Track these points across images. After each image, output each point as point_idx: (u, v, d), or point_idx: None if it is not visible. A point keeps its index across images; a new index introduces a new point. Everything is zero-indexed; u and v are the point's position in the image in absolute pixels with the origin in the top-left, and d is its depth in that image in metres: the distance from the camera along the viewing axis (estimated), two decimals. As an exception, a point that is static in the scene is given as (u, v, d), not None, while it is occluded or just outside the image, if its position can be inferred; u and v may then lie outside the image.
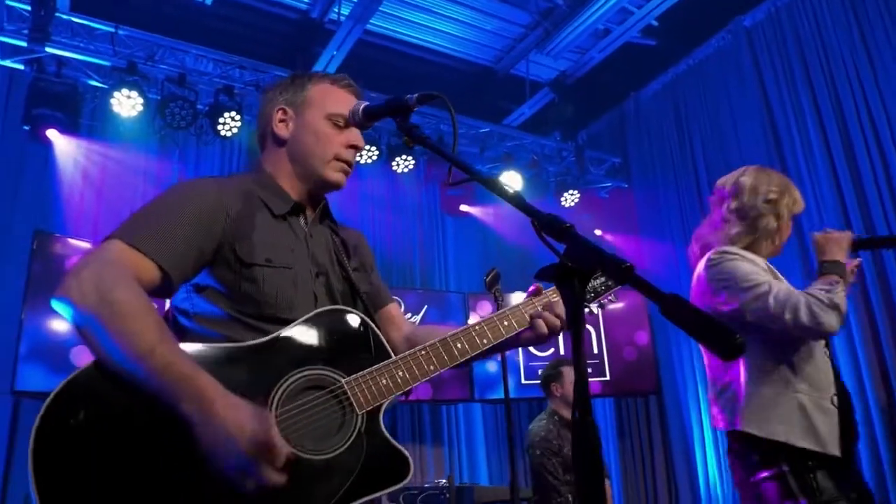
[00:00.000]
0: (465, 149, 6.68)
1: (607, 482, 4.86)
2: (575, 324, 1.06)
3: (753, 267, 2.24)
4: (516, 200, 1.25)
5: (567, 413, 4.67)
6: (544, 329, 1.58)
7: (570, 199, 6.82)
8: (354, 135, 1.64)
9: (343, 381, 1.42)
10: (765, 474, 2.13)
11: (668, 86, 6.73)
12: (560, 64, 6.98)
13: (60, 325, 4.20)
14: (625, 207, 6.99)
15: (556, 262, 1.09)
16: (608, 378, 5.91)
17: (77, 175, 5.10)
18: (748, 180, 2.41)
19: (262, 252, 1.47)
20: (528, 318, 1.61)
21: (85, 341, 1.25)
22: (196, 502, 1.23)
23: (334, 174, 1.62)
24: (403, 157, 6.01)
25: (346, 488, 1.35)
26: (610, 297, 1.78)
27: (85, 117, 5.24)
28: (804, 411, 2.13)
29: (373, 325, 1.53)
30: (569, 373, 4.69)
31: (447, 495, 4.20)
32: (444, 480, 4.43)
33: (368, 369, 1.45)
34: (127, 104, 4.90)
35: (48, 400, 1.20)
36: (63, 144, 5.03)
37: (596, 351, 6.01)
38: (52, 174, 5.00)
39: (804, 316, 2.06)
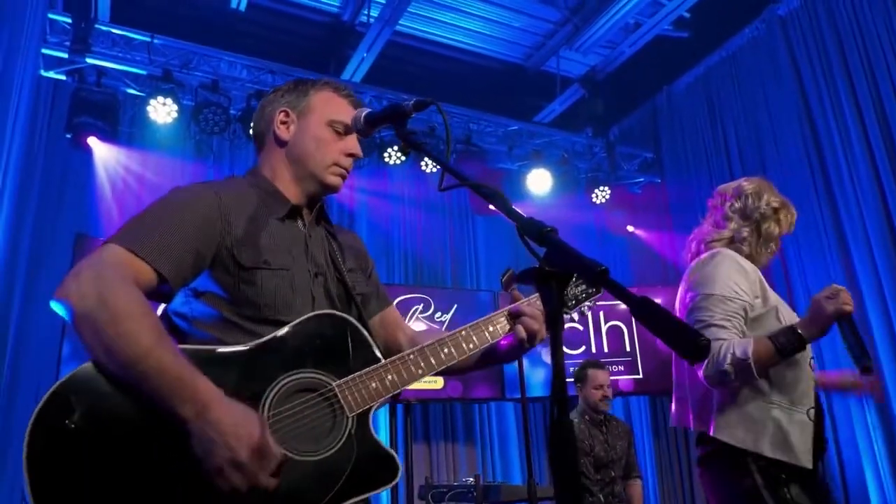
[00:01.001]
0: (494, 147, 6.68)
1: (639, 482, 4.81)
2: (553, 325, 1.08)
3: (733, 289, 2.18)
4: (500, 203, 1.26)
5: (594, 414, 4.66)
6: (523, 334, 1.62)
7: (600, 195, 6.76)
8: (352, 143, 1.67)
9: (334, 384, 1.45)
10: (737, 486, 2.10)
11: (700, 78, 6.60)
12: (590, 59, 6.93)
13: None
14: (657, 203, 6.89)
15: (536, 265, 1.11)
16: (640, 376, 5.85)
17: (116, 180, 5.30)
18: (752, 185, 2.42)
19: (259, 255, 1.50)
20: (513, 321, 1.66)
21: (83, 342, 1.27)
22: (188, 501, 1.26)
23: (332, 178, 1.65)
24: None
25: (337, 489, 1.38)
26: (589, 304, 1.82)
27: (124, 125, 5.42)
28: (778, 423, 2.10)
29: (363, 329, 1.55)
30: (594, 375, 4.67)
31: (475, 493, 4.23)
32: (471, 479, 4.45)
33: (358, 373, 1.48)
34: (163, 111, 5.07)
35: (43, 400, 1.22)
36: (103, 151, 5.22)
37: (629, 349, 5.95)
38: (92, 180, 5.20)
39: (704, 366, 2.09)
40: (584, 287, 1.79)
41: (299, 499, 1.34)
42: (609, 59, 6.87)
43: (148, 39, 5.24)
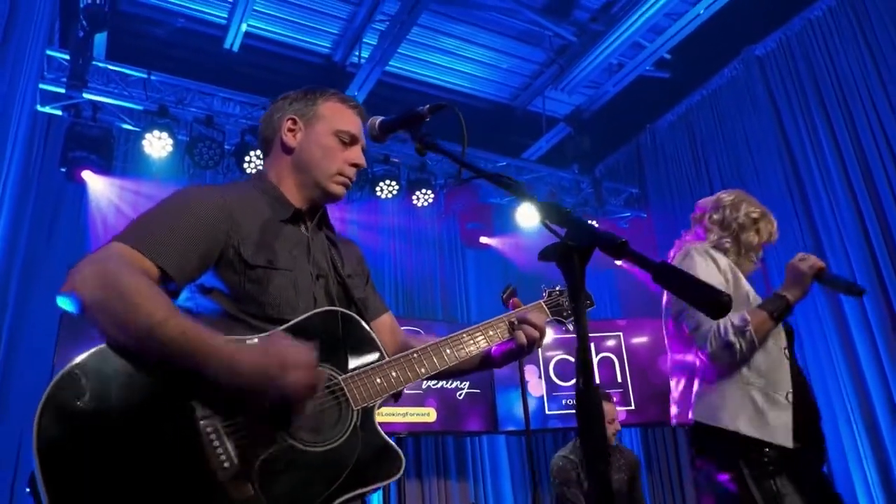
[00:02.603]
0: (484, 182, 6.77)
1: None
2: (576, 299, 1.13)
3: (709, 271, 2.35)
4: (520, 191, 1.33)
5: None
6: (523, 339, 1.70)
7: (588, 229, 6.86)
8: (357, 153, 1.73)
9: (340, 377, 1.48)
10: (725, 477, 2.18)
11: (682, 116, 6.82)
12: (575, 99, 7.14)
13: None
14: (644, 236, 7.01)
15: (555, 242, 1.16)
16: (633, 407, 5.85)
17: (110, 213, 5.30)
18: (730, 197, 2.57)
19: (264, 254, 1.52)
20: (509, 330, 1.74)
21: (96, 327, 1.27)
22: (194, 488, 1.26)
23: (336, 187, 1.69)
24: (423, 190, 6.14)
25: (342, 480, 1.39)
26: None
27: (118, 159, 5.47)
28: (755, 403, 2.21)
29: (367, 327, 1.59)
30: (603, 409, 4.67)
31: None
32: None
33: (364, 368, 1.52)
34: (158, 145, 5.12)
35: (53, 381, 1.22)
36: (97, 185, 5.25)
37: (620, 380, 5.96)
38: (86, 213, 5.22)
39: (709, 345, 2.24)
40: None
41: (304, 489, 1.35)
42: (593, 98, 7.08)
43: (144, 76, 5.33)
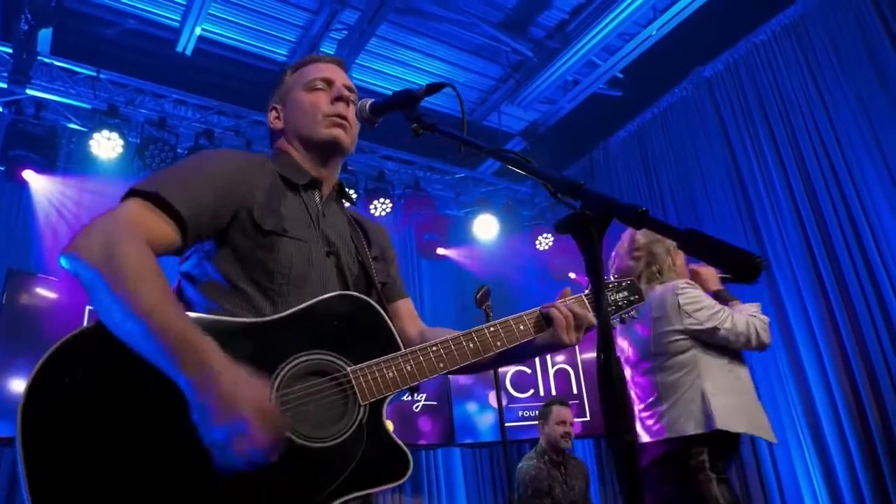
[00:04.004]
0: (442, 193, 6.81)
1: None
2: (594, 272, 1.11)
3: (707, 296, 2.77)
4: (527, 167, 1.30)
5: (554, 454, 4.65)
6: (564, 331, 1.56)
7: (543, 242, 6.95)
8: (336, 88, 1.65)
9: (348, 369, 1.37)
10: (702, 472, 2.46)
11: (634, 133, 7.00)
12: (530, 115, 7.25)
13: (19, 383, 3.99)
14: (597, 251, 7.13)
15: (571, 213, 1.14)
16: (588, 418, 5.90)
17: (52, 214, 5.04)
18: (642, 237, 2.95)
19: (279, 221, 1.47)
20: (545, 321, 1.60)
21: (90, 299, 1.22)
22: (188, 479, 1.17)
23: (327, 130, 1.61)
24: (381, 199, 6.09)
25: (341, 481, 1.29)
26: (632, 313, 1.78)
27: (62, 159, 5.22)
28: (758, 407, 2.66)
29: (385, 316, 1.48)
30: (558, 412, 4.70)
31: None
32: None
33: (376, 360, 1.40)
34: (107, 146, 4.92)
35: (42, 359, 1.14)
36: (39, 184, 5.00)
37: (576, 391, 6.01)
38: (27, 213, 4.95)
39: (762, 337, 2.67)
40: (625, 294, 1.78)
41: (298, 487, 1.25)
42: (548, 114, 7.20)
43: (93, 74, 5.12)
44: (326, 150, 1.64)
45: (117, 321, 1.18)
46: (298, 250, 1.47)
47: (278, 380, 1.31)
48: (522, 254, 7.03)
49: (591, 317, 1.60)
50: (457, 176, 6.83)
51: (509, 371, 5.96)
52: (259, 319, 1.36)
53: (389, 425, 1.42)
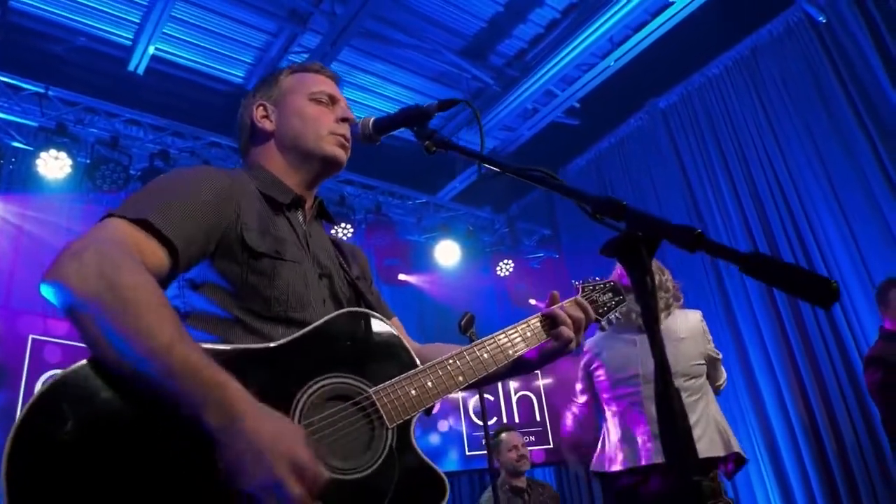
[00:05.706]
0: (404, 218, 6.74)
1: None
2: (644, 295, 1.06)
3: None
4: (556, 185, 1.25)
5: (514, 481, 4.57)
6: (568, 334, 1.54)
7: (504, 268, 6.95)
8: (342, 108, 1.58)
9: (370, 390, 1.28)
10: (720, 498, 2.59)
11: (592, 162, 7.14)
12: (489, 142, 7.29)
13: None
14: (556, 277, 7.18)
15: (617, 235, 1.10)
16: (551, 445, 5.86)
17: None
18: (660, 275, 3.10)
19: (272, 244, 1.36)
20: (550, 324, 1.57)
21: (82, 333, 1.06)
22: None
23: (331, 147, 1.53)
24: (343, 224, 5.98)
25: None
26: (617, 315, 1.77)
27: (3, 179, 4.92)
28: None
29: (396, 332, 1.41)
30: (507, 438, 4.64)
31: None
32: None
33: (396, 378, 1.32)
34: (54, 165, 4.66)
35: (27, 407, 0.98)
36: (-22, 205, 4.69)
37: (538, 419, 5.97)
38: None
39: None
40: (610, 295, 1.76)
41: None
42: (507, 141, 7.26)
43: (41, 90, 4.87)
44: (324, 167, 1.56)
45: (125, 359, 1.03)
46: (294, 274, 1.37)
47: (298, 409, 1.20)
48: (483, 279, 7.01)
49: (592, 315, 1.62)
50: (418, 201, 6.79)
51: (471, 399, 5.88)
52: (268, 345, 1.25)
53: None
